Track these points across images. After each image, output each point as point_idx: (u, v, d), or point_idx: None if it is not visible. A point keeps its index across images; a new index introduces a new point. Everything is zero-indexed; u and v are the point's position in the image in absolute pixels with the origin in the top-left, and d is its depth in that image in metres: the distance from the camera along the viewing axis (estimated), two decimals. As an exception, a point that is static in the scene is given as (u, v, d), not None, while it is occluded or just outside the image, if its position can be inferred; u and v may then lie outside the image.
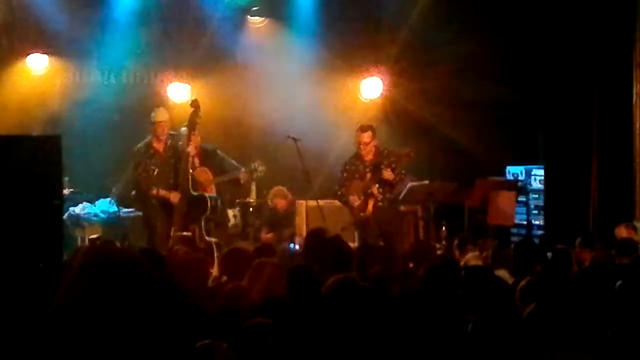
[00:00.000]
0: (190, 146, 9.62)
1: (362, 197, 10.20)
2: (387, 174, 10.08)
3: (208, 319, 4.85)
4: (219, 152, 10.52)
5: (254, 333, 4.49)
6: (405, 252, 8.01)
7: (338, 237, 7.68)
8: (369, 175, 10.21)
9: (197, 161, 10.03)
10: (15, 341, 4.57)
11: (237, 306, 5.05)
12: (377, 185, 10.16)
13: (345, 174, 10.37)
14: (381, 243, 9.50)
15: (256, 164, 10.52)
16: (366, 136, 10.30)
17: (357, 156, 10.40)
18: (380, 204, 10.16)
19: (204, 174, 10.06)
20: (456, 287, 5.61)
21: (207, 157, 10.29)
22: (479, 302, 5.15)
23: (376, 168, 10.18)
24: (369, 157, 10.33)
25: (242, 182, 10.59)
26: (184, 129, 9.87)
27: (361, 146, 10.29)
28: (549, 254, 7.25)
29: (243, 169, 10.49)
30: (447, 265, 6.36)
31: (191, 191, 9.67)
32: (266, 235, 11.19)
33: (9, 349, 4.50)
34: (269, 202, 11.50)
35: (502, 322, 4.48)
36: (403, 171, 10.34)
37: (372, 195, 10.17)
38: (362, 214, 10.21)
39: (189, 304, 4.88)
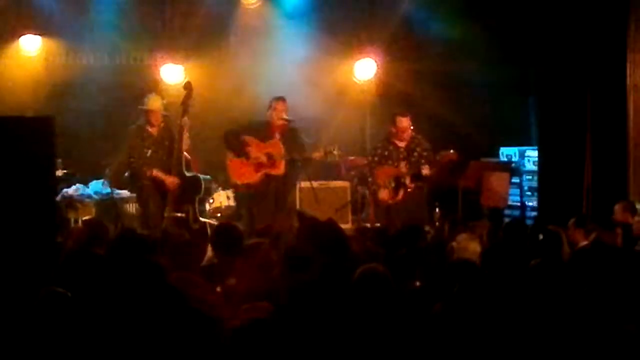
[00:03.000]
0: (183, 128, 9.57)
1: (392, 185, 10.13)
2: (426, 171, 10.00)
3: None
4: (300, 132, 10.26)
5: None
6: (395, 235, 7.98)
7: (331, 220, 7.66)
8: (404, 164, 10.12)
9: (277, 135, 10.01)
10: (10, 323, 4.59)
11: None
12: (410, 177, 10.08)
13: (375, 158, 10.29)
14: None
15: (333, 147, 10.01)
16: (405, 121, 10.17)
17: (389, 141, 10.30)
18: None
19: (277, 148, 9.99)
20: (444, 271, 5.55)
21: (289, 133, 10.11)
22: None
23: (411, 157, 10.09)
24: (402, 143, 10.23)
25: (315, 160, 10.14)
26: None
27: (398, 131, 10.16)
28: (541, 236, 7.26)
29: (317, 150, 10.09)
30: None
31: (184, 172, 9.65)
32: None
33: (4, 330, 4.52)
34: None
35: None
36: (423, 160, 10.21)
37: (404, 185, 10.09)
38: (390, 202, 10.13)
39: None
